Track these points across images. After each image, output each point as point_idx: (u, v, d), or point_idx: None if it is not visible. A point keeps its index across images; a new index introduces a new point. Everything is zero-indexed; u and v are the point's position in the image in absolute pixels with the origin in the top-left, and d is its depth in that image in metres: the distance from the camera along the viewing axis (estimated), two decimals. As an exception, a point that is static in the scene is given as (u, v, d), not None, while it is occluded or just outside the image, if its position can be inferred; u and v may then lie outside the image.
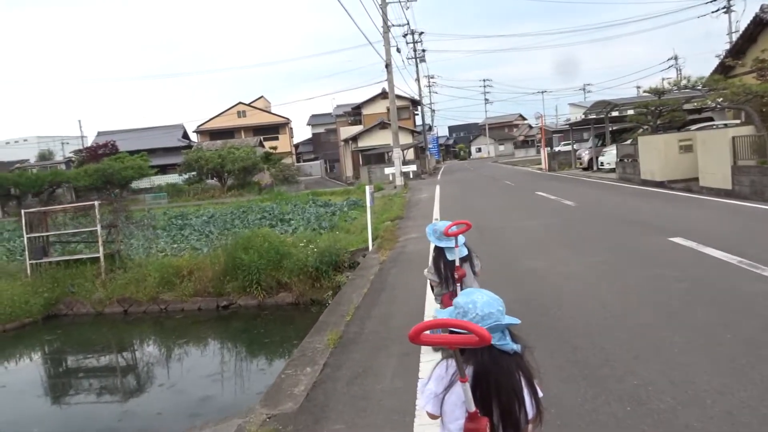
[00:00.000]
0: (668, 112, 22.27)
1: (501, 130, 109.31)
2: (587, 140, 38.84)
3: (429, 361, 4.42)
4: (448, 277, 4.66)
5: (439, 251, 4.76)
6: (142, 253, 14.25)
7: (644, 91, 25.29)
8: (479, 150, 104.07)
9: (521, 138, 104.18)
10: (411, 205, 20.23)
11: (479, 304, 1.92)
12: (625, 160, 24.97)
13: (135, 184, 47.84)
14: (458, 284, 4.55)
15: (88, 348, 11.00)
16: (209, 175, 45.50)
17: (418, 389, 2.19)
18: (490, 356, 1.87)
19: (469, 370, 1.85)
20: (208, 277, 11.88)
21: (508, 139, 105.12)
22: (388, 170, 38.81)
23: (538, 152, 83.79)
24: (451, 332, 1.76)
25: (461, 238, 4.62)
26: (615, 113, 29.03)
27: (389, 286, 7.43)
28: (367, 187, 11.59)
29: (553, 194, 17.63)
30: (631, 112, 27.06)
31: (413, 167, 43.14)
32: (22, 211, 13.37)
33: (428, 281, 5.07)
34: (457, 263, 4.56)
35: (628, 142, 26.70)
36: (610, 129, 30.02)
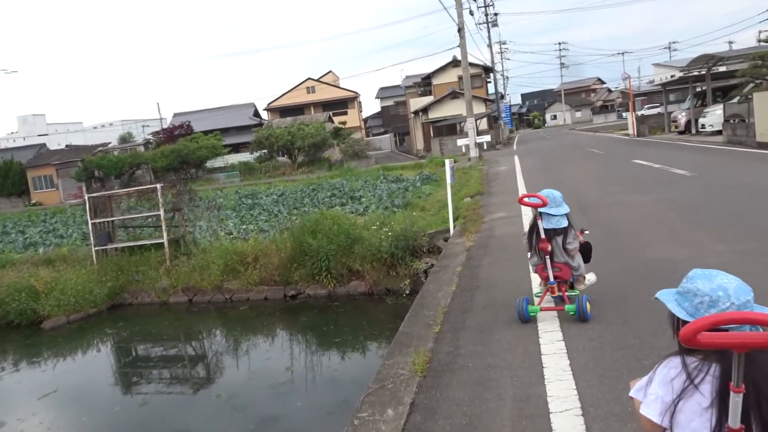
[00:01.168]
0: (788, 63, 19.36)
1: (577, 95, 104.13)
2: (674, 102, 35.45)
3: (561, 411, 3.07)
4: (535, 246, 4.64)
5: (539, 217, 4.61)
6: (209, 237, 13.51)
7: (759, 41, 22.22)
8: (554, 117, 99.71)
9: (599, 103, 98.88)
10: (490, 178, 18.60)
11: (731, 289, 1.61)
12: (733, 121, 22.19)
13: (209, 164, 48.50)
14: (546, 257, 4.51)
15: (149, 344, 10.31)
16: (280, 153, 45.34)
17: (634, 389, 1.77)
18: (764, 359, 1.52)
19: (715, 371, 1.56)
20: (274, 264, 10.91)
21: (586, 105, 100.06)
22: (460, 141, 36.95)
23: (619, 117, 79.45)
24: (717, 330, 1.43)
25: (565, 208, 4.59)
26: (719, 69, 25.92)
27: (483, 282, 6.07)
28: (447, 161, 10.17)
29: (655, 162, 15.54)
30: (740, 66, 24.01)
31: (487, 138, 41.03)
32: (86, 196, 12.88)
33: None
34: (542, 235, 4.49)
35: (735, 100, 23.75)
36: (713, 87, 26.95)
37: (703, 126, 25.22)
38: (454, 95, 46.41)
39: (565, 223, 4.59)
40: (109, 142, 65.41)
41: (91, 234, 12.76)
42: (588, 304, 4.45)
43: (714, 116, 24.52)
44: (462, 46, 30.59)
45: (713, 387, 1.56)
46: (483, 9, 53.36)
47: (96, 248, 12.64)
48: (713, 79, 27.27)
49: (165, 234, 12.16)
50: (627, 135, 35.31)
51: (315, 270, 10.39)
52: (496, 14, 56.82)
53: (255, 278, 10.92)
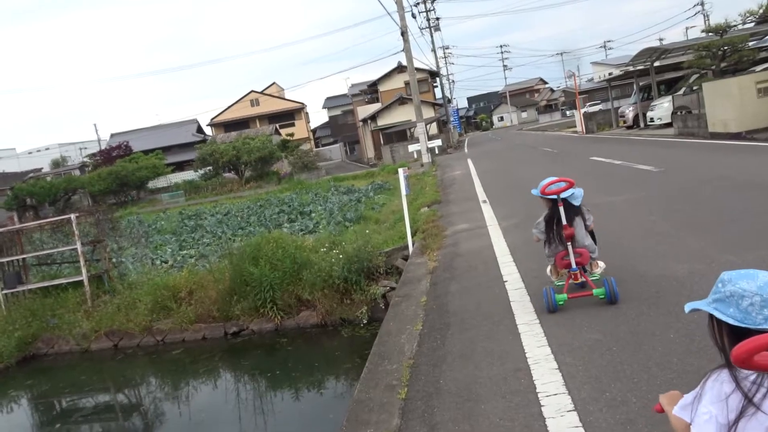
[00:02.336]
0: (733, 52, 19.18)
1: (522, 96, 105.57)
2: (618, 98, 35.55)
3: None
4: (555, 235, 4.60)
5: (553, 205, 4.62)
6: (141, 270, 12.01)
7: (703, 31, 22.10)
8: (501, 119, 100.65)
9: (543, 103, 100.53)
10: (446, 184, 17.67)
11: (757, 283, 1.44)
12: (681, 113, 22.00)
13: (152, 184, 46.39)
14: (568, 243, 4.50)
15: (64, 402, 8.80)
16: (226, 169, 43.58)
17: (678, 406, 1.58)
18: None
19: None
20: (212, 297, 9.55)
21: (531, 105, 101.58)
22: (412, 147, 36.24)
23: (563, 115, 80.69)
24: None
25: (574, 192, 4.66)
26: (664, 62, 25.84)
27: (455, 318, 4.96)
28: (401, 170, 9.07)
29: (614, 158, 14.89)
30: (682, 58, 23.92)
31: (438, 142, 40.47)
32: (-14, 233, 11.19)
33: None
34: (564, 221, 4.47)
35: (681, 92, 23.65)
36: (657, 80, 26.88)
37: (651, 120, 25.06)
38: (402, 101, 45.71)
39: (578, 203, 4.78)
40: (41, 168, 62.00)
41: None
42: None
43: (662, 109, 24.37)
44: (407, 49, 29.81)
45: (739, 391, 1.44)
46: (425, 13, 52.93)
47: (4, 291, 10.97)
48: (657, 73, 27.23)
49: (84, 270, 10.62)
50: (576, 132, 35.20)
51: (258, 302, 9.09)
52: (437, 18, 56.64)
53: (190, 315, 9.53)
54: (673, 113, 22.93)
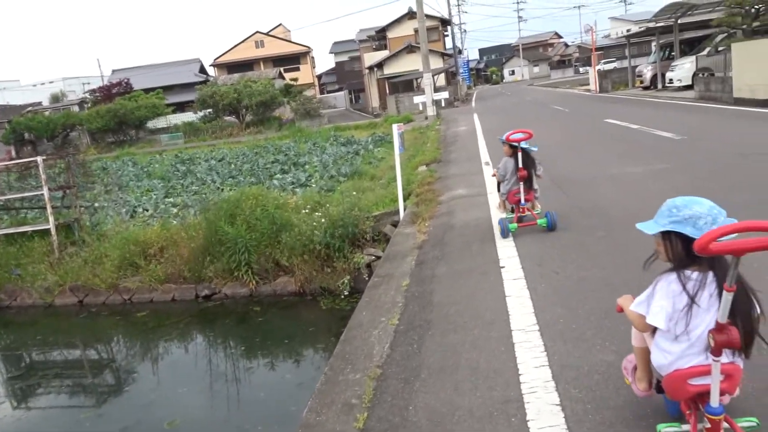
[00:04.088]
0: None
1: (535, 50, 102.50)
2: (636, 56, 33.85)
3: None
4: (512, 175, 5.64)
5: (513, 152, 5.59)
6: (116, 220, 11.21)
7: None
8: (512, 73, 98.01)
9: (557, 58, 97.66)
10: (448, 141, 16.67)
11: (717, 208, 2.03)
12: (703, 75, 20.70)
13: (151, 124, 45.19)
14: (520, 183, 5.56)
15: (26, 354, 8.17)
16: (226, 112, 42.30)
17: (634, 304, 2.20)
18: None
19: (710, 279, 2.02)
20: (184, 256, 8.79)
21: (543, 60, 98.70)
22: (417, 99, 34.80)
23: (576, 72, 78.23)
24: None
25: (526, 145, 5.55)
26: (688, 19, 24.27)
27: (438, 314, 4.15)
28: (395, 127, 8.12)
29: (631, 122, 13.82)
30: (710, 15, 22.38)
31: (445, 94, 38.93)
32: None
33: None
34: (521, 165, 5.50)
35: (705, 52, 22.25)
36: (680, 39, 25.35)
37: (670, 81, 23.73)
38: (411, 49, 43.93)
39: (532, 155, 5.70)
40: (40, 102, 60.67)
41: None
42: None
43: (683, 70, 23.01)
44: (417, -7, 28.16)
45: (709, 292, 2.02)
46: (440, -43, 50.39)
47: (-35, 237, 10.23)
48: (680, 31, 25.66)
49: (51, 218, 9.83)
50: (589, 91, 33.78)
51: (233, 264, 8.33)
52: (453, -37, 53.81)
53: (159, 274, 8.80)
54: (695, 75, 21.61)
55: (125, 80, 51.15)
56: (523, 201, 5.62)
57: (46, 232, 10.03)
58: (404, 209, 8.14)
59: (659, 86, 25.29)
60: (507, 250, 5.25)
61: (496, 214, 6.66)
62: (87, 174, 10.84)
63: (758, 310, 2.05)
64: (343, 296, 7.63)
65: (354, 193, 9.69)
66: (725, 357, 2.02)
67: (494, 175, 6.04)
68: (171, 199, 15.06)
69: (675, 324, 2.06)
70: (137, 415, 5.61)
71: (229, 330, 7.80)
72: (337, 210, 8.20)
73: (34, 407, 6.60)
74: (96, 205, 12.02)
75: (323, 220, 8.01)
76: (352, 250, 7.90)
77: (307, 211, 8.60)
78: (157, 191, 16.81)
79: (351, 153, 19.05)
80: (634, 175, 7.65)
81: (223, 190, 15.12)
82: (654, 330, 2.18)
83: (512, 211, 5.84)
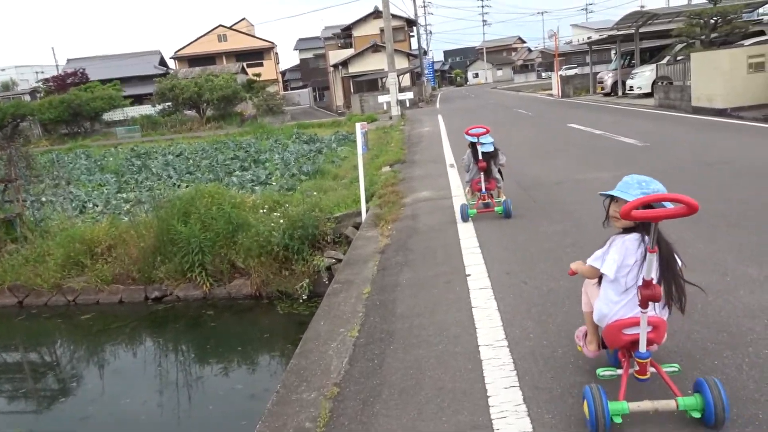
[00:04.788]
0: (725, 23, 18.15)
1: (499, 54, 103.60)
2: (596, 63, 34.32)
3: None
4: (476, 164, 6.21)
5: (473, 145, 6.25)
6: (61, 216, 10.59)
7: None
8: (476, 75, 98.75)
9: (520, 62, 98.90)
10: (413, 141, 16.49)
11: (651, 181, 2.44)
12: (662, 83, 21.06)
13: (107, 116, 43.76)
14: (481, 173, 6.19)
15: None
16: (186, 106, 41.22)
17: (591, 259, 2.62)
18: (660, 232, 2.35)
19: (644, 241, 2.43)
20: (133, 256, 8.32)
21: (507, 64, 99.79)
22: (382, 98, 34.69)
23: (539, 77, 79.38)
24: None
25: (488, 138, 6.24)
26: (649, 28, 24.70)
27: (400, 326, 3.89)
28: (358, 126, 7.84)
29: (594, 127, 13.89)
30: (669, 26, 22.83)
31: (410, 95, 38.91)
32: None
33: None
34: (480, 157, 6.11)
35: (665, 61, 22.66)
36: (640, 47, 25.79)
37: (630, 88, 24.08)
38: (376, 48, 43.72)
39: (492, 149, 6.29)
40: (-13, 90, 58.21)
41: None
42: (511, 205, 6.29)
43: (642, 78, 23.39)
44: (384, -8, 27.96)
45: (642, 251, 2.41)
46: (407, -43, 50.38)
47: None
48: (641, 39, 26.12)
49: (-11, 213, 9.22)
50: (551, 95, 34.17)
51: (186, 265, 7.92)
52: (420, -37, 53.76)
53: (106, 275, 8.31)
54: (655, 83, 21.98)
55: (81, 70, 49.44)
56: (483, 189, 6.25)
57: (-15, 227, 9.40)
58: (367, 211, 7.88)
59: (620, 93, 25.67)
60: (473, 257, 5.04)
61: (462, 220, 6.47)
62: (31, 167, 10.20)
63: (680, 264, 2.51)
64: (301, 300, 7.32)
65: (315, 192, 9.39)
66: (653, 310, 2.43)
67: (463, 165, 6.79)
68: (124, 195, 14.46)
69: (625, 276, 2.47)
70: (71, 429, 5.18)
71: (180, 335, 7.40)
72: (297, 210, 7.88)
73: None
74: (43, 199, 11.36)
75: (282, 220, 7.68)
76: (311, 253, 7.59)
77: (265, 210, 8.25)
78: (110, 186, 16.15)
79: (314, 151, 18.70)
80: (600, 181, 7.56)
81: (179, 186, 14.60)
82: (599, 285, 2.65)
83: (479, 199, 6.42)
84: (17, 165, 9.63)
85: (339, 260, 7.33)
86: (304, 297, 7.35)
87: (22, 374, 7.21)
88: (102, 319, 7.98)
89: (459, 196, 7.84)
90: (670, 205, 2.21)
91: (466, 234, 5.82)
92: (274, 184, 13.25)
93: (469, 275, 4.60)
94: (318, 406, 3.00)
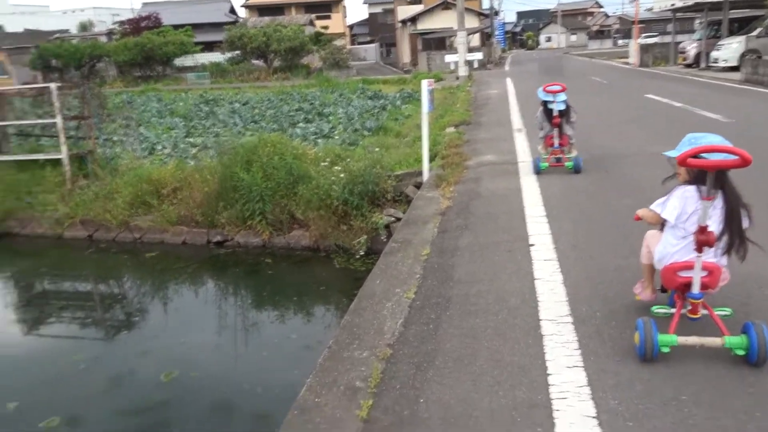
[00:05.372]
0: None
1: (574, 18, 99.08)
2: (677, 33, 32.20)
3: None
4: (549, 122, 6.51)
5: (545, 104, 6.52)
6: (131, 156, 10.91)
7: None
8: (549, 39, 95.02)
9: (596, 28, 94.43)
10: (479, 103, 16.05)
11: (718, 139, 2.64)
12: (752, 57, 19.59)
13: (178, 62, 44.64)
14: (555, 129, 6.48)
15: (33, 284, 8.03)
16: (254, 55, 41.57)
17: (654, 205, 2.85)
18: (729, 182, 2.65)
19: (702, 191, 2.59)
20: (197, 199, 8.50)
21: (582, 29, 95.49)
22: (449, 58, 33.85)
23: (615, 44, 75.59)
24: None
25: (562, 96, 6.36)
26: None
27: (459, 290, 3.79)
28: (425, 83, 7.61)
29: (673, 99, 13.10)
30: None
31: (478, 56, 37.82)
32: (-38, 93, 10.09)
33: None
34: (555, 113, 6.35)
35: (755, 33, 21.04)
36: (729, 17, 24.02)
37: (715, 60, 22.57)
38: (446, 5, 42.52)
39: (564, 106, 6.44)
40: (68, 29, 60.21)
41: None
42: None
43: (729, 50, 21.85)
44: (460, -54, 26.94)
45: (699, 200, 2.61)
46: None
47: (-21, 160, 10.04)
48: (732, 9, 24.30)
49: (63, 148, 9.57)
50: (628, 64, 32.47)
51: (246, 212, 8.03)
52: None
53: (172, 216, 8.54)
54: (743, 56, 20.51)
55: (155, 15, 50.42)
56: (556, 144, 6.60)
57: (59, 162, 9.78)
58: (429, 171, 7.72)
59: (702, 65, 24.15)
60: (538, 227, 4.84)
61: (527, 186, 6.25)
62: (104, 106, 10.48)
63: (747, 223, 2.66)
64: (358, 256, 7.31)
65: (377, 149, 9.28)
66: (711, 256, 2.66)
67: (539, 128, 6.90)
68: (191, 139, 14.75)
69: (684, 223, 2.68)
70: (133, 362, 5.40)
71: (239, 280, 7.56)
72: (358, 165, 7.81)
73: (28, 340, 6.43)
74: (114, 138, 11.72)
75: (343, 174, 7.64)
76: (370, 209, 7.54)
77: (326, 164, 8.22)
78: (178, 130, 16.52)
79: (377, 107, 18.50)
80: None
81: (244, 134, 14.77)
82: (661, 231, 2.90)
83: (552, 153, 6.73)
84: (90, 103, 9.90)
85: (398, 219, 7.26)
86: (361, 253, 7.34)
87: (89, 304, 7.56)
88: (165, 258, 8.24)
89: (525, 162, 7.57)
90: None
91: (532, 201, 5.61)
92: (336, 137, 13.21)
93: (532, 245, 4.43)
94: (370, 366, 2.96)
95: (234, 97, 25.75)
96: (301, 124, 16.20)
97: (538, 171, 6.65)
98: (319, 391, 2.78)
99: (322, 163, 8.24)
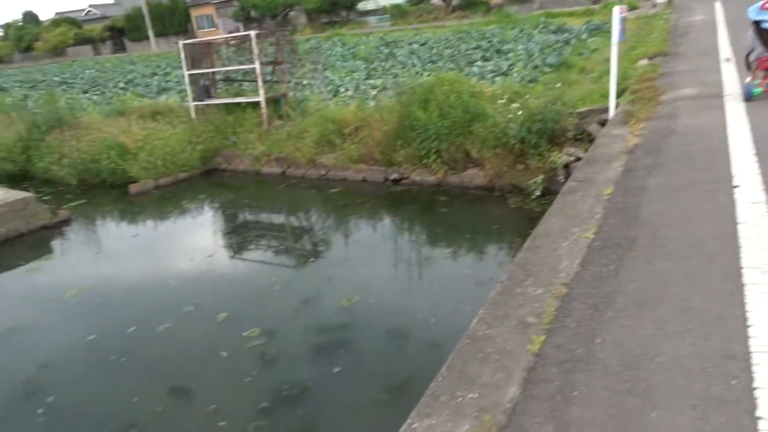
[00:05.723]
0: None
1: None
2: None
3: None
4: (763, 43, 5.79)
5: (757, 24, 5.85)
6: (318, 98, 11.60)
7: None
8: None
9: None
10: (679, 32, 14.28)
11: None
12: None
13: (361, 6, 46.07)
14: None
15: (237, 212, 9.07)
16: (433, -6, 41.22)
17: None
18: None
19: None
20: (376, 139, 8.83)
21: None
22: (646, -18, 30.32)
23: None
24: None
25: None
26: None
27: (645, 232, 3.52)
28: (616, 9, 6.92)
29: None
30: None
31: (682, -23, 33.35)
32: (180, 43, 11.37)
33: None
34: None
35: None
36: None
37: None
38: None
39: None
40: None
41: (188, 87, 11.45)
42: None
43: None
44: None
45: None
46: None
47: (194, 104, 11.36)
48: None
49: (261, 91, 10.44)
50: None
51: (422, 151, 8.18)
52: None
53: (353, 154, 9.00)
54: None
55: (340, -40, 51.89)
56: None
57: (257, 104, 10.72)
58: (616, 107, 7.15)
59: None
60: (745, 167, 4.28)
61: (734, 120, 5.51)
62: (295, 52, 11.19)
63: None
64: (534, 196, 7.13)
65: (558, 85, 8.78)
66: None
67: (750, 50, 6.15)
68: (371, 81, 15.23)
69: None
70: (319, 287, 5.91)
71: (414, 217, 7.80)
72: (537, 103, 7.49)
73: (234, 263, 7.31)
74: (304, 82, 12.52)
75: (520, 112, 7.38)
76: (549, 148, 7.25)
77: (503, 101, 7.99)
78: (359, 72, 17.12)
79: (560, 42, 17.37)
80: None
81: (421, 74, 14.87)
82: None
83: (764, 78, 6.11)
84: (283, 49, 10.62)
85: (578, 158, 6.90)
86: (537, 193, 7.13)
87: (282, 234, 8.34)
88: (347, 193, 8.76)
89: (733, 94, 6.66)
90: None
91: (739, 138, 4.95)
92: (515, 75, 12.73)
93: (737, 186, 3.93)
94: (543, 303, 2.90)
95: (413, 38, 25.87)
96: (478, 63, 15.84)
97: (749, 97, 6.10)
98: (491, 323, 2.81)
99: (499, 101, 8.02)
